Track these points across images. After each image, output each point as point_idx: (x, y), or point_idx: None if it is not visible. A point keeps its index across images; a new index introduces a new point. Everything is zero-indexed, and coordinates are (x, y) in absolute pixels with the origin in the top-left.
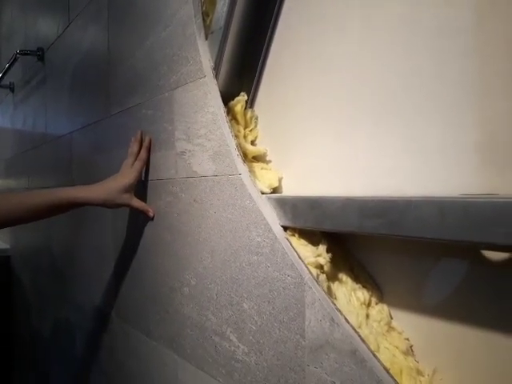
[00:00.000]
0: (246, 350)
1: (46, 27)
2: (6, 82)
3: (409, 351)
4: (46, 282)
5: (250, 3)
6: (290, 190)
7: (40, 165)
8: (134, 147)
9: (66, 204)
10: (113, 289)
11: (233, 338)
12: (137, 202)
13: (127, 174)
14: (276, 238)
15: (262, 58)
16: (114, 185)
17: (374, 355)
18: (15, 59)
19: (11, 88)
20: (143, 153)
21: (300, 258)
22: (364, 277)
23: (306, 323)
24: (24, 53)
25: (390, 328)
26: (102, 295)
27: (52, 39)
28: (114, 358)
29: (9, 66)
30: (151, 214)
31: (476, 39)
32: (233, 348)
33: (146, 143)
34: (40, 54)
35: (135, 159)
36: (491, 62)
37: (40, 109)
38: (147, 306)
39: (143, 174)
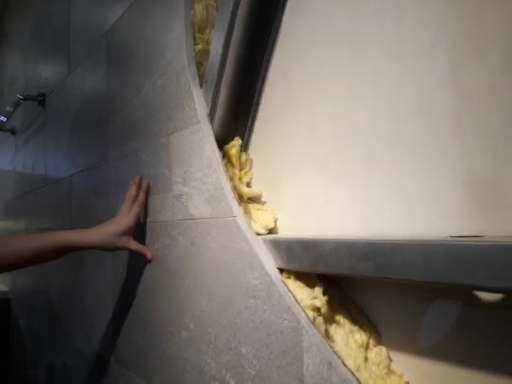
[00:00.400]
0: None
1: (47, 73)
2: (8, 125)
3: None
4: (43, 326)
5: (242, 52)
6: (285, 231)
7: (39, 207)
8: (132, 190)
9: (61, 248)
10: (111, 333)
11: (232, 382)
12: (135, 245)
13: (125, 217)
14: (272, 280)
15: (255, 102)
16: (113, 228)
17: None
18: (18, 104)
19: (13, 131)
20: (141, 196)
21: (296, 300)
22: (361, 319)
23: (305, 367)
24: (25, 98)
25: (390, 371)
26: (100, 339)
27: (53, 85)
28: None
29: (13, 110)
30: (149, 257)
31: (453, 89)
32: None
33: (144, 186)
34: (41, 98)
35: (133, 202)
36: (468, 109)
37: (40, 152)
38: (147, 350)
39: (142, 217)
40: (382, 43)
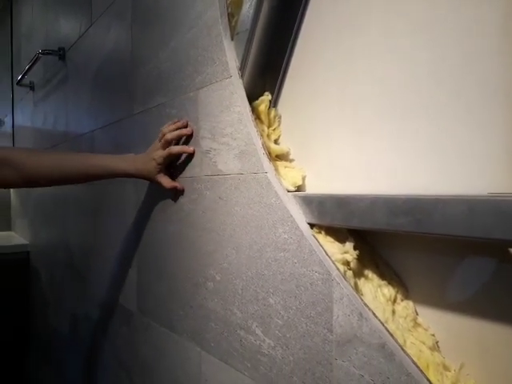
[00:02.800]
0: (272, 344)
1: (67, 27)
2: (26, 80)
3: (435, 347)
4: (65, 278)
5: (276, 5)
6: (313, 189)
7: None
8: (169, 136)
9: (110, 174)
10: (134, 284)
11: (258, 332)
12: (167, 182)
13: (157, 148)
14: (303, 234)
15: (286, 58)
16: (149, 157)
17: (403, 349)
18: (37, 58)
19: (31, 87)
20: (176, 148)
21: (327, 254)
22: (389, 274)
23: (334, 318)
24: (46, 52)
25: (416, 324)
26: (122, 290)
27: (74, 39)
28: (134, 351)
29: (30, 65)
30: (180, 187)
31: (503, 39)
32: (258, 342)
33: (183, 139)
34: (61, 53)
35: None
36: None
37: (61, 107)
38: (170, 300)
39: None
40: None
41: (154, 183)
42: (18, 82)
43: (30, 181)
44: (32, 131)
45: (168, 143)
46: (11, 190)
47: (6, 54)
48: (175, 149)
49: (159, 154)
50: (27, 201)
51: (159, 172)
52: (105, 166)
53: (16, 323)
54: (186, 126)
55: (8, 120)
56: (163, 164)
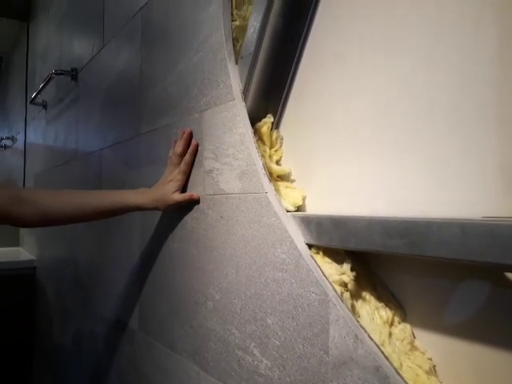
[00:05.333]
0: (269, 365)
1: (80, 48)
2: (39, 99)
3: (432, 371)
4: (69, 294)
5: (279, 30)
6: (313, 209)
7: (69, 179)
8: (179, 147)
9: (121, 208)
10: (137, 302)
11: (256, 352)
12: (181, 197)
13: (173, 179)
14: (301, 255)
15: (288, 81)
16: (163, 191)
17: (398, 372)
18: (50, 78)
19: (44, 105)
20: (188, 157)
21: (324, 275)
22: (387, 296)
23: (330, 339)
24: (59, 73)
25: (413, 347)
26: (125, 308)
27: (86, 60)
28: (136, 369)
29: (44, 84)
30: (196, 196)
31: (497, 68)
32: (256, 362)
33: (192, 149)
34: (74, 74)
35: (178, 160)
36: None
37: (71, 126)
38: (171, 319)
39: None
40: (423, 15)
41: (169, 207)
42: (32, 101)
43: (44, 218)
44: (43, 148)
45: (180, 156)
46: None
47: (22, 73)
48: (189, 158)
49: (176, 171)
50: None
51: (176, 190)
52: (119, 200)
53: (21, 337)
54: (191, 138)
55: (21, 137)
56: (182, 180)
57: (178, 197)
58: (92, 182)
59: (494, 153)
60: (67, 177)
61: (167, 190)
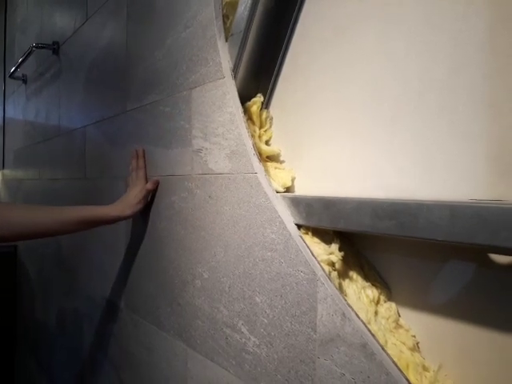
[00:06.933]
0: (257, 342)
1: (62, 21)
2: (18, 73)
3: (415, 348)
4: (53, 273)
5: (270, 8)
6: (302, 190)
7: (52, 157)
8: (134, 163)
9: (89, 221)
10: (123, 280)
11: (244, 330)
12: (145, 191)
13: (137, 185)
14: (290, 235)
15: (279, 60)
16: (131, 198)
17: (383, 349)
18: (30, 52)
19: (24, 80)
20: (141, 162)
21: (313, 255)
22: (373, 276)
23: (318, 317)
24: (40, 46)
25: (398, 325)
26: (111, 286)
27: (68, 34)
28: (122, 347)
29: (24, 58)
30: (156, 180)
31: (488, 53)
32: (244, 340)
33: (140, 153)
34: (55, 47)
35: (137, 171)
36: (502, 76)
37: (53, 102)
38: (159, 297)
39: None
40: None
41: (136, 206)
42: (11, 75)
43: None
44: (23, 124)
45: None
46: (0, 182)
47: (0, 46)
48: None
49: (134, 177)
50: (16, 194)
51: (139, 192)
52: (85, 214)
53: (3, 317)
54: (137, 155)
55: None
56: (142, 180)
57: (140, 195)
58: (76, 159)
59: (484, 137)
60: (50, 153)
61: (137, 197)
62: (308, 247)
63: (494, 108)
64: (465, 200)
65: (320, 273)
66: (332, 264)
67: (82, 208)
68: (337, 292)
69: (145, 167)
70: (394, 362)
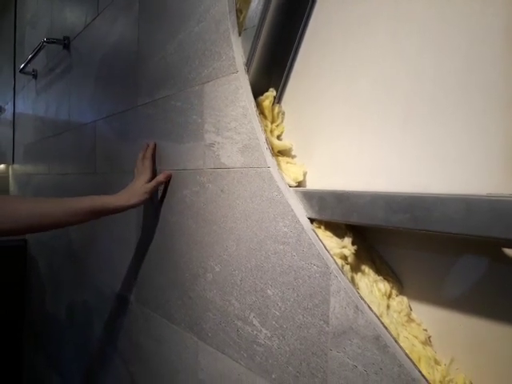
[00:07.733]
0: (268, 335)
1: (72, 16)
2: (29, 68)
3: (427, 341)
4: (63, 267)
5: (283, 2)
6: (313, 185)
7: (61, 152)
8: (141, 154)
9: (97, 211)
10: (133, 274)
11: (256, 322)
12: (154, 182)
13: (143, 173)
14: (303, 228)
15: (291, 55)
16: (138, 187)
17: (396, 341)
18: (41, 47)
19: (34, 75)
20: (148, 152)
21: (326, 248)
22: (385, 269)
23: (331, 310)
24: (50, 41)
25: (410, 319)
26: (121, 280)
27: (79, 29)
28: (131, 340)
29: (34, 53)
30: (168, 173)
31: (504, 48)
32: (255, 332)
33: (151, 145)
34: (66, 42)
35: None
36: None
37: (63, 96)
38: (169, 291)
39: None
40: None
41: (143, 196)
42: (21, 70)
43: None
44: (33, 119)
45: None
46: (10, 176)
47: (10, 40)
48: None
49: (141, 167)
50: (26, 189)
51: (147, 181)
52: (93, 203)
53: (13, 310)
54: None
55: (9, 107)
56: (149, 169)
57: (153, 184)
58: (86, 155)
59: (499, 131)
60: (59, 148)
61: (138, 182)
62: (321, 241)
63: (509, 103)
64: (480, 194)
65: (333, 266)
66: (345, 257)
67: (87, 198)
68: (350, 285)
69: (152, 157)
70: (406, 354)
